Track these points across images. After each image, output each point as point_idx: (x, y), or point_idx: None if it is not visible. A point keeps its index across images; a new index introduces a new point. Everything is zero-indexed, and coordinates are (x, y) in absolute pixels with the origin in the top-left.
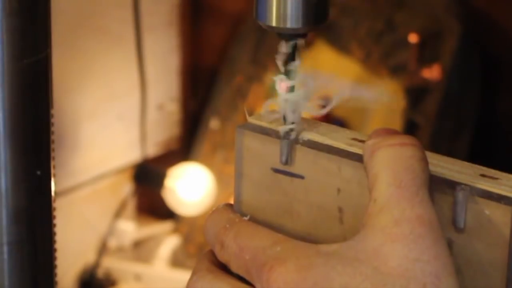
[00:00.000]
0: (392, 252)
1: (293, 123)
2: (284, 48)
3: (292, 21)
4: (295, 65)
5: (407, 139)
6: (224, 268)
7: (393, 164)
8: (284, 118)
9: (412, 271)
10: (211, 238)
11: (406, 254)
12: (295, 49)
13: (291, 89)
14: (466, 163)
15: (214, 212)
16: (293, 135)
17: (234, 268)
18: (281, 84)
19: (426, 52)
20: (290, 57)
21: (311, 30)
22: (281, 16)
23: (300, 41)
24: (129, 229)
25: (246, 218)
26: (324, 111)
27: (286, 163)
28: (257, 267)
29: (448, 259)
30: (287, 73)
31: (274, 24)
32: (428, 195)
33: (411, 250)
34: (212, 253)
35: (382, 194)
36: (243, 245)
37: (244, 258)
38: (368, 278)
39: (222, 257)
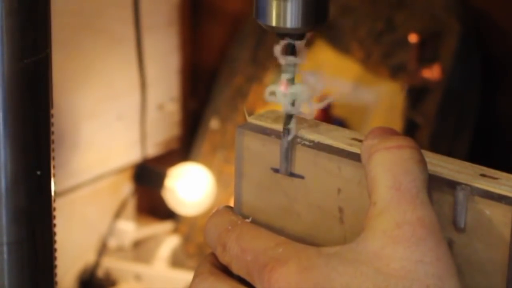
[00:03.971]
0: (394, 254)
1: (292, 122)
2: (283, 47)
3: (292, 21)
4: (294, 62)
5: (404, 141)
6: (226, 271)
7: (391, 167)
8: (284, 118)
9: (415, 272)
10: (212, 240)
11: (409, 256)
12: (294, 48)
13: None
14: (466, 163)
15: (215, 214)
16: (293, 135)
17: (235, 269)
18: (281, 80)
19: (426, 52)
20: (289, 55)
21: (311, 30)
22: (281, 16)
23: (300, 42)
24: (129, 229)
25: (248, 220)
26: (322, 105)
27: (286, 170)
28: (258, 268)
29: (450, 260)
30: (287, 70)
31: (274, 24)
32: (427, 196)
33: (413, 252)
34: (213, 256)
35: (382, 197)
36: (245, 247)
37: (246, 259)
38: (369, 278)
39: (224, 259)
